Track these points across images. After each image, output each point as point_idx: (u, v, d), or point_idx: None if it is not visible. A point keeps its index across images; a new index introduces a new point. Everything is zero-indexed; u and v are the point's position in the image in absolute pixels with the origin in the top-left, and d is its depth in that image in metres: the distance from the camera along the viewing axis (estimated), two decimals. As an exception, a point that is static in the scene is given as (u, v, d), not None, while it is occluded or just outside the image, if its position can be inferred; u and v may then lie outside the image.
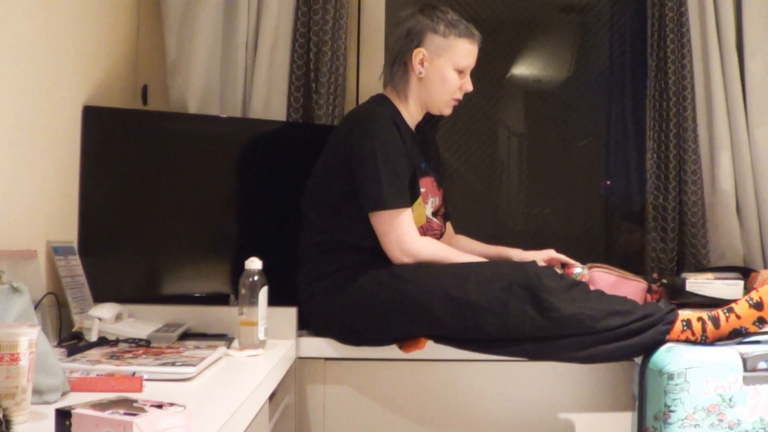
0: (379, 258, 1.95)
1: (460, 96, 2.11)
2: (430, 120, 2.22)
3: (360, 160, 1.93)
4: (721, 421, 1.85)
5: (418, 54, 2.05)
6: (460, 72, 2.07)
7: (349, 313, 1.93)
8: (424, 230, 2.07)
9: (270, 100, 2.45)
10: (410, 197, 1.98)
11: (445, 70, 2.06)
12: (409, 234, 1.92)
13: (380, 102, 2.07)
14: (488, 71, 2.87)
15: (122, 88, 2.35)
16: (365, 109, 2.07)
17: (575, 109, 2.95)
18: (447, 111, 2.12)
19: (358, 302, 1.91)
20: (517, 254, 2.18)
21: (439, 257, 1.93)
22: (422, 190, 2.08)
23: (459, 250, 2.03)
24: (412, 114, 2.11)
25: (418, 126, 2.16)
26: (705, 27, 2.54)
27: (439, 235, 2.16)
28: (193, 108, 2.40)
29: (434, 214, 2.13)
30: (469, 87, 2.10)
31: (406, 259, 1.92)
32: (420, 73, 2.05)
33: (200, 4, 2.41)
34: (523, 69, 2.99)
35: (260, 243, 2.15)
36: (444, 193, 2.23)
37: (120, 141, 2.10)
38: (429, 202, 2.12)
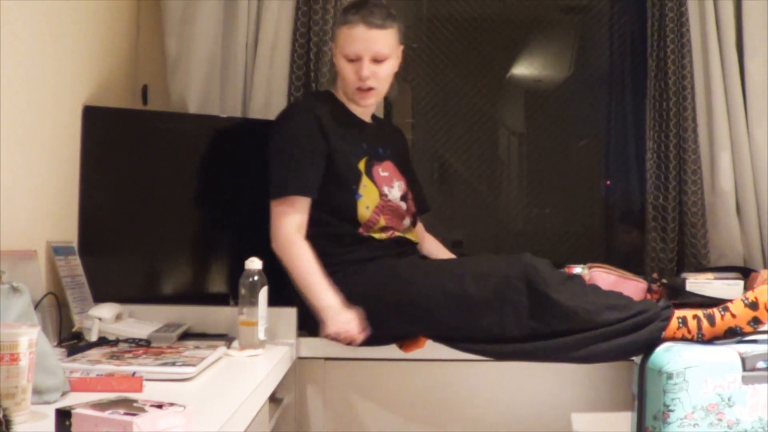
0: (365, 249, 1.98)
1: (362, 85, 2.04)
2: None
3: (268, 152, 2.01)
4: (720, 420, 1.85)
5: (332, 49, 2.11)
6: (350, 61, 2.03)
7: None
8: (381, 209, 2.05)
9: (270, 100, 2.45)
10: (346, 189, 2.00)
11: (338, 62, 2.07)
12: (283, 224, 1.95)
13: (316, 94, 2.13)
14: (488, 71, 2.88)
15: (122, 88, 2.35)
16: (287, 104, 2.13)
17: (575, 109, 2.95)
18: (361, 102, 2.09)
19: (354, 304, 1.91)
20: None
21: (290, 261, 1.92)
22: (384, 174, 2.09)
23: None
24: (354, 107, 2.12)
25: (379, 116, 2.21)
26: (705, 27, 2.54)
27: (412, 219, 2.16)
28: (193, 108, 2.40)
29: (403, 198, 2.12)
30: (363, 72, 2.01)
31: (274, 246, 1.95)
32: (336, 65, 2.10)
33: (200, 4, 2.41)
34: (523, 69, 2.99)
35: (260, 243, 2.15)
36: (417, 188, 2.25)
37: (120, 141, 2.10)
38: (395, 185, 2.11)
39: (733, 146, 2.53)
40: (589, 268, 2.27)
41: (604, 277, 2.37)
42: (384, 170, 2.11)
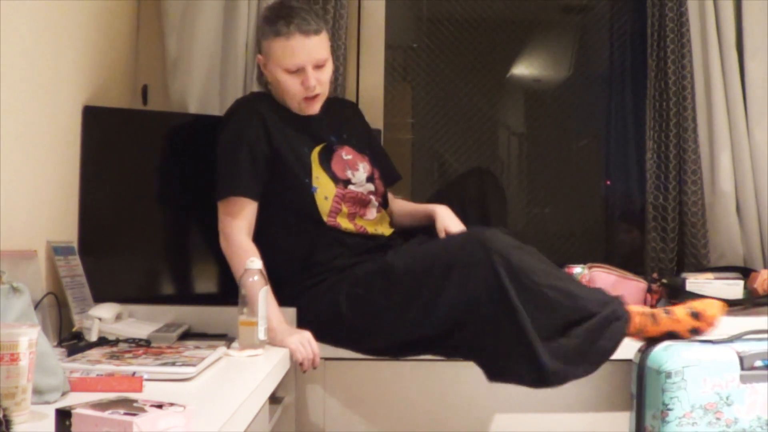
0: (336, 245, 2.00)
1: (308, 94, 2.00)
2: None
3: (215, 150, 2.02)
4: (718, 419, 1.85)
5: (260, 60, 2.07)
6: (292, 73, 1.98)
7: (338, 328, 1.94)
8: (342, 198, 2.03)
9: (270, 100, 2.45)
10: (298, 185, 1.99)
11: (277, 75, 2.00)
12: (228, 224, 1.95)
13: (258, 94, 2.13)
14: (488, 71, 2.88)
15: (122, 88, 2.35)
16: (231, 106, 2.12)
17: (575, 109, 2.95)
18: (308, 111, 2.04)
19: (340, 320, 1.92)
20: (442, 212, 2.10)
21: (238, 265, 1.86)
22: (348, 157, 2.08)
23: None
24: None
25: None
26: (705, 27, 2.54)
27: (382, 197, 2.14)
28: (193, 108, 2.40)
29: (370, 179, 2.11)
30: (310, 82, 1.97)
31: (221, 245, 1.96)
32: (268, 78, 2.07)
33: (200, 4, 2.41)
34: (523, 69, 2.99)
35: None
36: (384, 161, 2.22)
37: (120, 141, 2.10)
38: (360, 167, 2.09)
39: (733, 146, 2.53)
40: (589, 268, 2.27)
41: (604, 277, 2.37)
42: (347, 154, 2.09)
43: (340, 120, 2.17)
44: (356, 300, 1.91)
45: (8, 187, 1.58)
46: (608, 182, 2.93)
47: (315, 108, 2.05)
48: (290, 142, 2.02)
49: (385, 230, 2.11)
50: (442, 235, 2.03)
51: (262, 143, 1.98)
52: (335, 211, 2.02)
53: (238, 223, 1.95)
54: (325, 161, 2.05)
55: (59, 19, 1.83)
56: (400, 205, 2.25)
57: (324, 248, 2.00)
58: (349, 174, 2.06)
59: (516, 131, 3.00)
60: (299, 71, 1.98)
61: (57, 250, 1.83)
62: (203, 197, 2.19)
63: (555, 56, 2.99)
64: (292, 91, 2.00)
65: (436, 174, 2.94)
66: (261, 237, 1.98)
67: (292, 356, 1.81)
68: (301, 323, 1.95)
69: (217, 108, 2.43)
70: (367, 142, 2.20)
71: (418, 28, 2.88)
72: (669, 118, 2.54)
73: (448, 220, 2.06)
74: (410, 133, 2.90)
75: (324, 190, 2.02)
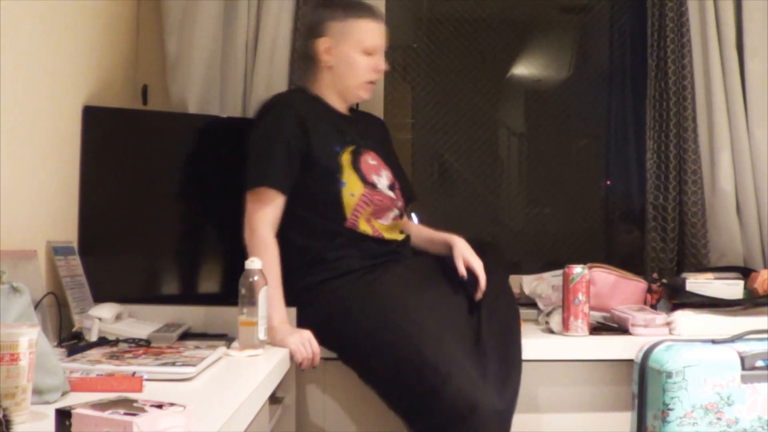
0: (351, 248, 1.99)
1: (375, 77, 2.11)
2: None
3: (246, 145, 2.02)
4: (719, 419, 1.85)
5: (323, 44, 2.08)
6: (369, 54, 2.08)
7: (342, 336, 1.93)
8: (367, 199, 2.04)
9: (270, 100, 2.45)
10: (329, 178, 2.00)
11: (350, 55, 2.07)
12: (256, 216, 1.94)
13: (292, 91, 2.14)
14: (488, 71, 2.88)
15: (122, 88, 2.35)
16: (266, 100, 2.12)
17: (575, 109, 2.95)
18: (364, 95, 2.13)
19: (348, 328, 1.91)
20: (459, 242, 2.08)
21: (251, 254, 1.88)
22: (373, 162, 2.09)
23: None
24: (335, 99, 2.12)
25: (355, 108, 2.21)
26: (705, 27, 2.54)
27: (402, 209, 2.15)
28: (193, 108, 2.40)
29: (391, 188, 2.12)
30: (382, 66, 2.11)
31: (244, 236, 1.95)
32: (329, 62, 2.09)
33: (200, 4, 2.41)
34: (523, 69, 2.99)
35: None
36: (403, 179, 2.23)
37: (120, 141, 2.10)
38: (383, 174, 2.11)
39: (733, 146, 2.53)
40: (589, 268, 2.27)
41: (604, 277, 2.37)
42: (372, 159, 2.11)
43: (367, 129, 2.21)
44: (347, 313, 1.92)
45: (8, 187, 1.58)
46: (608, 182, 2.93)
47: (370, 94, 2.14)
48: (324, 137, 2.03)
49: (398, 236, 2.13)
50: (460, 262, 2.00)
51: (298, 139, 1.99)
52: (358, 211, 2.03)
53: (265, 215, 1.95)
54: (355, 162, 2.07)
55: (59, 19, 1.83)
56: (417, 230, 2.26)
57: (337, 248, 2.00)
58: (374, 178, 2.08)
59: (516, 131, 3.00)
60: (372, 54, 2.08)
61: (57, 250, 1.83)
62: (203, 197, 2.19)
63: (555, 56, 2.99)
64: (363, 71, 2.08)
65: (436, 174, 2.94)
66: (278, 231, 1.99)
67: (291, 356, 1.81)
68: (302, 320, 1.95)
69: (217, 108, 2.43)
70: (390, 158, 2.23)
71: (418, 28, 2.88)
72: (669, 118, 2.54)
73: (466, 251, 2.04)
74: (410, 133, 2.90)
75: (352, 187, 2.03)
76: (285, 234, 1.99)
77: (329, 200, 2.01)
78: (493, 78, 2.89)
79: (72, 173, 1.97)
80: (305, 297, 1.97)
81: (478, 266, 1.99)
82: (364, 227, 2.03)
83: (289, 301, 1.94)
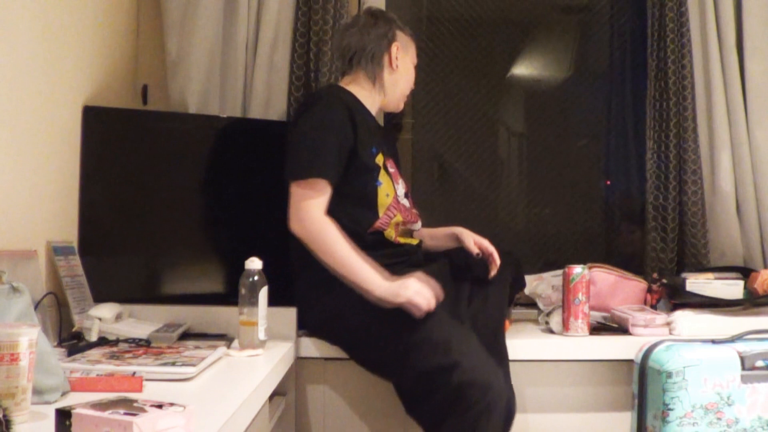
0: (379, 248, 1.98)
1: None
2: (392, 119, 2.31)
3: (289, 138, 2.00)
4: (719, 419, 1.85)
5: (395, 48, 2.14)
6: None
7: (353, 335, 1.93)
8: (397, 203, 2.06)
9: (270, 100, 2.45)
10: (368, 175, 2.01)
11: (409, 65, 2.20)
12: (312, 204, 1.90)
13: (340, 87, 2.12)
14: (488, 71, 2.88)
15: (122, 88, 2.35)
16: (314, 92, 2.15)
17: (575, 109, 2.95)
18: (401, 106, 2.24)
19: (360, 328, 1.91)
20: (464, 231, 2.19)
21: (325, 240, 1.88)
22: (392, 170, 2.11)
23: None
24: (372, 106, 2.15)
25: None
26: (705, 27, 2.54)
27: (417, 217, 2.17)
28: (193, 108, 2.40)
29: (406, 196, 2.15)
30: (413, 85, 2.24)
31: (298, 227, 1.90)
32: (396, 66, 2.15)
33: (200, 4, 2.41)
34: (523, 69, 2.99)
35: (260, 243, 2.16)
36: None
37: (120, 141, 2.10)
38: (400, 183, 2.14)
39: (733, 146, 2.53)
40: (590, 268, 2.27)
41: (604, 277, 2.37)
42: (391, 166, 2.14)
43: (386, 137, 2.25)
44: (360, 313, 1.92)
45: (8, 187, 1.58)
46: (608, 182, 2.92)
47: (402, 107, 2.26)
48: (366, 136, 2.04)
49: (412, 240, 2.15)
50: (471, 243, 2.13)
51: (348, 133, 1.99)
52: (390, 214, 2.04)
53: (318, 204, 1.91)
54: (385, 166, 2.09)
55: (59, 19, 1.83)
56: (418, 232, 2.27)
57: (361, 247, 1.97)
58: (396, 186, 2.10)
59: (516, 131, 3.00)
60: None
61: (57, 250, 1.83)
62: (203, 197, 2.19)
63: (555, 56, 2.99)
64: (409, 83, 2.22)
65: (436, 174, 2.94)
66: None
67: (411, 307, 1.80)
68: (308, 314, 1.97)
69: (216, 108, 2.44)
70: (400, 167, 2.26)
71: (418, 28, 2.88)
72: (669, 118, 2.54)
73: (473, 234, 2.16)
74: (410, 133, 2.90)
75: (387, 188, 2.05)
76: None
77: (366, 197, 2.01)
78: (493, 78, 2.89)
79: (72, 173, 1.97)
80: (319, 290, 1.96)
81: (488, 244, 2.12)
82: (389, 232, 2.04)
83: (298, 295, 1.96)
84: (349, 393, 2.04)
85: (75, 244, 1.96)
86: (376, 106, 2.17)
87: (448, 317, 1.87)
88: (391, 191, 2.06)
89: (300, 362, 2.01)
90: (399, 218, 2.06)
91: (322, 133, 1.96)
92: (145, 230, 2.12)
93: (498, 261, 2.07)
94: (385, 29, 2.14)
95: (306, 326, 2.02)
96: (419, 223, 2.18)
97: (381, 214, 2.02)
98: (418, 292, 1.81)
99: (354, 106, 2.06)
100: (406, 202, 2.13)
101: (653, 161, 2.57)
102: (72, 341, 1.65)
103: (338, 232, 1.90)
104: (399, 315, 1.84)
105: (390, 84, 2.16)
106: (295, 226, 1.91)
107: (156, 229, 2.13)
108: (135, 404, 1.00)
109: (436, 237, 2.24)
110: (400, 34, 2.17)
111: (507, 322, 2.07)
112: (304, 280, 2.00)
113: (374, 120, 2.17)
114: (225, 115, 2.42)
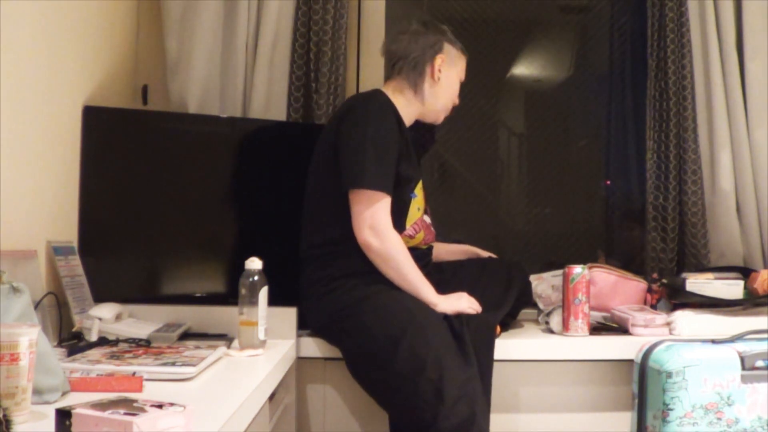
0: None
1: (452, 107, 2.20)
2: (428, 131, 2.27)
3: (348, 139, 1.95)
4: (719, 419, 1.85)
5: (439, 59, 2.10)
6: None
7: (354, 331, 1.91)
8: (422, 221, 2.08)
9: (270, 100, 2.45)
10: (406, 186, 2.01)
11: (453, 79, 2.16)
12: (384, 218, 1.92)
13: (382, 93, 2.09)
14: (488, 71, 2.88)
15: (122, 88, 2.35)
16: (364, 95, 2.09)
17: (575, 109, 2.95)
18: (441, 118, 2.20)
19: (364, 324, 1.89)
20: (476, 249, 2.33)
21: (397, 258, 1.91)
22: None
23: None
24: (409, 115, 2.12)
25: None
26: (705, 27, 2.54)
27: (434, 236, 2.18)
28: (193, 108, 2.40)
29: (426, 211, 2.15)
30: (457, 100, 2.20)
31: (373, 240, 1.90)
32: (438, 78, 2.11)
33: (200, 4, 2.41)
34: (523, 69, 2.99)
35: (260, 243, 2.16)
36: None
37: (120, 141, 2.10)
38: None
39: (733, 146, 2.53)
40: (590, 268, 2.27)
41: (604, 277, 2.37)
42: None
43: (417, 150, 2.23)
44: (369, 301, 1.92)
45: (8, 187, 1.58)
46: (608, 182, 2.93)
47: (442, 120, 2.22)
48: (407, 150, 2.04)
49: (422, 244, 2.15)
50: (485, 252, 2.27)
51: (401, 147, 2.00)
52: (416, 228, 2.06)
53: (389, 218, 1.93)
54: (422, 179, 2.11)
55: (59, 19, 1.83)
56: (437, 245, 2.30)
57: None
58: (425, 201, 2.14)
59: (516, 131, 3.00)
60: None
61: (57, 250, 1.83)
62: (203, 197, 2.19)
63: (555, 56, 2.99)
64: (454, 96, 2.18)
65: (436, 174, 2.94)
66: (328, 228, 1.98)
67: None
68: (315, 314, 1.98)
69: (216, 108, 2.44)
70: None
71: (418, 28, 2.87)
72: (669, 118, 2.54)
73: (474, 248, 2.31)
74: (410, 133, 2.89)
75: (419, 202, 2.07)
76: (340, 243, 1.97)
77: (399, 206, 2.00)
78: (493, 78, 2.89)
79: (72, 173, 1.97)
80: (332, 295, 1.96)
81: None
82: (408, 243, 2.02)
83: (302, 294, 1.98)
84: (349, 393, 2.04)
85: (75, 244, 1.96)
86: (414, 116, 2.14)
87: (460, 362, 1.83)
88: (422, 205, 2.08)
89: (300, 362, 2.01)
90: (421, 236, 2.07)
91: (385, 145, 1.95)
92: (145, 230, 2.12)
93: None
94: (433, 40, 2.11)
95: (310, 327, 2.02)
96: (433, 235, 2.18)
97: (407, 226, 2.04)
98: (470, 306, 1.96)
99: (398, 116, 2.05)
100: (427, 219, 2.14)
101: (653, 161, 2.57)
102: (72, 341, 1.65)
103: (406, 250, 1.95)
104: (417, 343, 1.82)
105: (430, 95, 2.11)
106: (371, 239, 1.91)
107: (156, 229, 2.13)
108: (135, 404, 1.00)
109: (451, 252, 2.31)
110: (448, 47, 2.13)
111: (498, 328, 2.04)
112: (313, 281, 2.00)
113: (408, 131, 2.12)
114: (225, 115, 2.42)
